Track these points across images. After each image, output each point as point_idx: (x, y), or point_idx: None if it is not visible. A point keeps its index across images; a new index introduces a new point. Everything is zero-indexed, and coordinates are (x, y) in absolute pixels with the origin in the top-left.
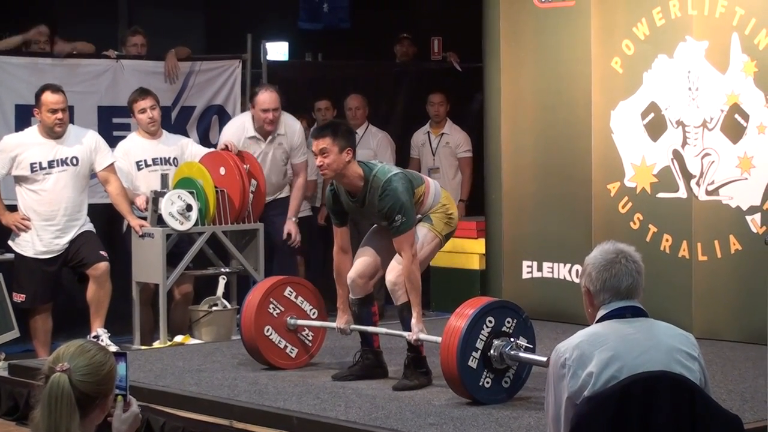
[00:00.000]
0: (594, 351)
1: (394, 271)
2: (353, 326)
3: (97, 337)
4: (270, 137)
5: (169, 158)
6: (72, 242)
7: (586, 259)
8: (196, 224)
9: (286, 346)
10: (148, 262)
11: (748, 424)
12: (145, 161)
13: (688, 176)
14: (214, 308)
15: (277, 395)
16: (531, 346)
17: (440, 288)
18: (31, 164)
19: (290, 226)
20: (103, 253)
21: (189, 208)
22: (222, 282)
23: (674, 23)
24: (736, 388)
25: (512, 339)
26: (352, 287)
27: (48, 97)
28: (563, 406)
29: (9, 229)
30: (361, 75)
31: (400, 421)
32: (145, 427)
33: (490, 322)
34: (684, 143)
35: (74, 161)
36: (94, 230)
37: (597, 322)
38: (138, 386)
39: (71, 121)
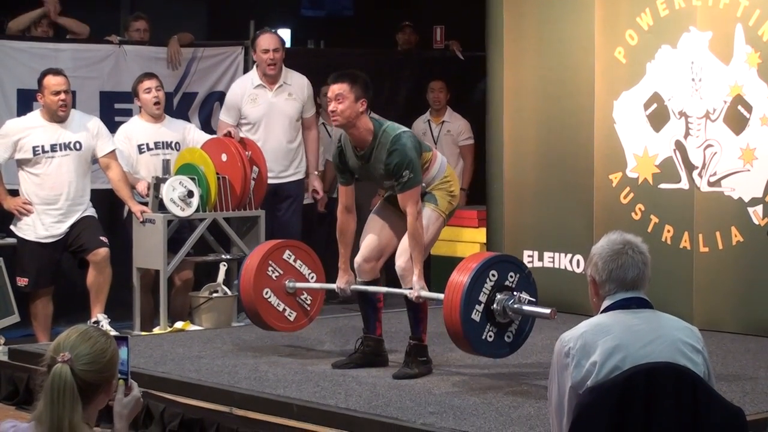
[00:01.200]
0: (598, 341)
1: (403, 256)
2: (354, 286)
3: (97, 322)
4: (276, 86)
5: (171, 143)
6: (73, 227)
7: (593, 249)
8: (197, 210)
9: (284, 309)
10: (149, 248)
11: (750, 415)
12: (147, 145)
13: (690, 167)
14: (215, 295)
15: (277, 382)
16: (534, 300)
17: (441, 277)
18: (34, 147)
19: (314, 181)
20: (103, 238)
21: (190, 194)
22: (223, 269)
23: (678, 14)
24: (738, 379)
25: (515, 293)
26: (359, 271)
27: (50, 80)
28: (566, 395)
29: (11, 213)
30: (363, 63)
31: (400, 410)
32: (145, 413)
33: (493, 276)
34: (686, 134)
35: (77, 146)
36: (95, 215)
37: (602, 312)
38: (138, 372)
39: (73, 106)
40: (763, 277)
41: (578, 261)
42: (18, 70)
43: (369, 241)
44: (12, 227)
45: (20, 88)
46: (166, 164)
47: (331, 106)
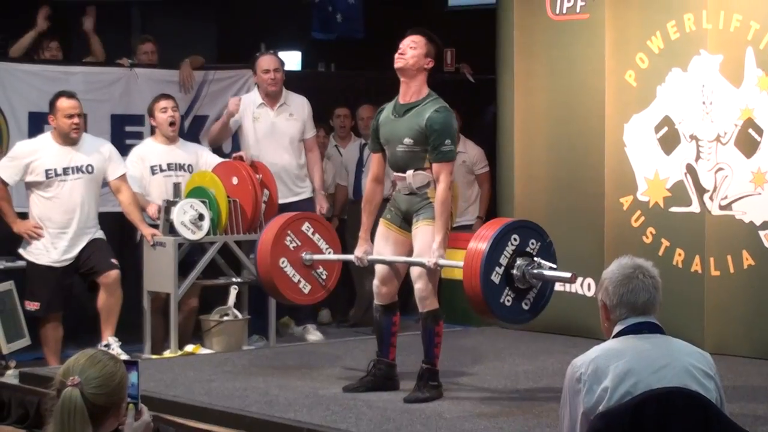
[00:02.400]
0: (609, 366)
1: (420, 280)
2: (371, 257)
3: (107, 345)
4: (278, 105)
5: (184, 164)
6: (83, 250)
7: (604, 273)
8: (208, 234)
9: (300, 281)
10: (160, 271)
11: None
12: (160, 166)
13: (701, 190)
14: (225, 318)
15: (288, 406)
16: (554, 266)
17: (451, 300)
18: (46, 170)
19: (321, 201)
20: (114, 261)
21: (201, 217)
22: (233, 292)
23: (689, 37)
24: (749, 403)
25: (536, 259)
26: (376, 294)
27: (63, 102)
28: (578, 421)
29: (20, 236)
30: (374, 85)
31: None
32: None
33: (515, 240)
34: (697, 157)
35: (89, 169)
36: (104, 238)
37: (613, 337)
38: (148, 396)
39: (85, 129)
40: None
41: (589, 284)
42: (29, 93)
43: (382, 265)
44: (21, 251)
45: (32, 111)
46: (176, 187)
47: (400, 50)
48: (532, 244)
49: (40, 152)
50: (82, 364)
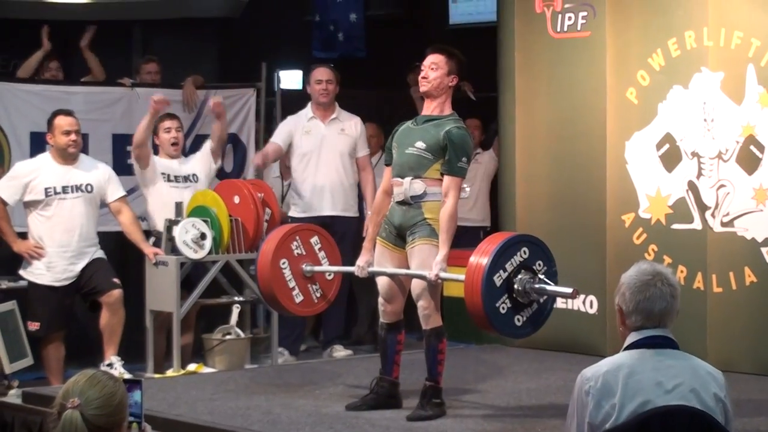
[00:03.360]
0: (619, 382)
1: (422, 297)
2: (371, 269)
3: (110, 365)
4: (329, 119)
5: (189, 175)
6: (85, 269)
7: (623, 277)
8: (210, 253)
9: (294, 288)
10: (162, 290)
11: None
12: (169, 176)
13: (703, 208)
14: (228, 337)
15: (290, 425)
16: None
17: (453, 317)
18: (46, 189)
19: (370, 223)
20: (116, 280)
21: (203, 236)
22: (236, 311)
23: (690, 54)
24: (752, 420)
25: (539, 276)
26: (383, 313)
27: (60, 120)
28: None
29: (20, 256)
30: (375, 104)
31: None
32: None
33: (525, 252)
34: (699, 174)
35: (89, 188)
36: (105, 257)
37: (626, 348)
38: (151, 415)
39: (85, 151)
40: None
41: (591, 302)
42: (31, 113)
43: (383, 282)
44: (21, 271)
45: (33, 130)
46: (178, 207)
47: (422, 74)
48: (539, 264)
49: (39, 171)
50: (82, 385)
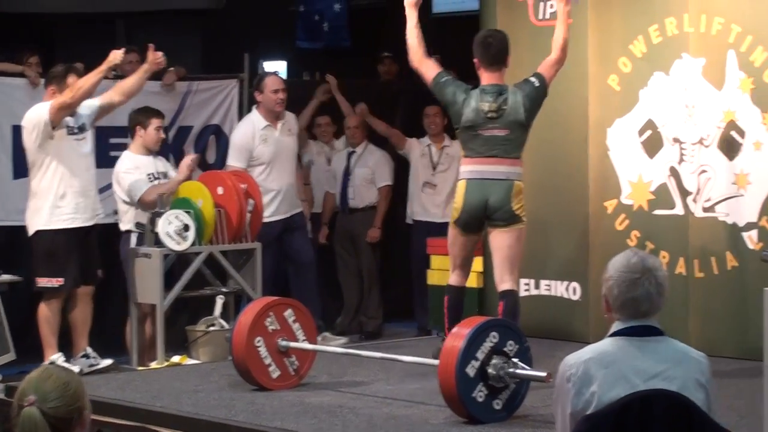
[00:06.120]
0: (600, 370)
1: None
2: None
3: (86, 356)
4: (280, 124)
5: (165, 172)
6: (89, 232)
7: (610, 264)
8: (193, 244)
9: (270, 364)
10: (146, 283)
11: None
12: (153, 174)
13: (684, 193)
14: (212, 328)
15: (274, 415)
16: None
17: (439, 306)
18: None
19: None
20: (99, 272)
21: (186, 228)
22: (219, 302)
23: (671, 41)
24: (733, 404)
25: (512, 359)
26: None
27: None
28: (567, 419)
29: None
30: (361, 93)
31: None
32: None
33: (494, 337)
34: (681, 160)
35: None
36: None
37: (610, 335)
38: (135, 407)
39: None
40: (758, 302)
41: (574, 288)
42: (13, 105)
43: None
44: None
45: (15, 124)
46: (161, 198)
47: None
48: (510, 345)
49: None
50: (35, 381)
